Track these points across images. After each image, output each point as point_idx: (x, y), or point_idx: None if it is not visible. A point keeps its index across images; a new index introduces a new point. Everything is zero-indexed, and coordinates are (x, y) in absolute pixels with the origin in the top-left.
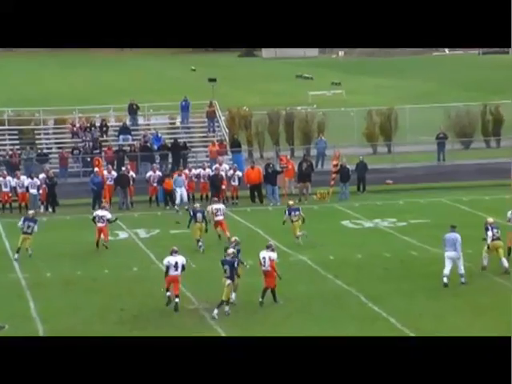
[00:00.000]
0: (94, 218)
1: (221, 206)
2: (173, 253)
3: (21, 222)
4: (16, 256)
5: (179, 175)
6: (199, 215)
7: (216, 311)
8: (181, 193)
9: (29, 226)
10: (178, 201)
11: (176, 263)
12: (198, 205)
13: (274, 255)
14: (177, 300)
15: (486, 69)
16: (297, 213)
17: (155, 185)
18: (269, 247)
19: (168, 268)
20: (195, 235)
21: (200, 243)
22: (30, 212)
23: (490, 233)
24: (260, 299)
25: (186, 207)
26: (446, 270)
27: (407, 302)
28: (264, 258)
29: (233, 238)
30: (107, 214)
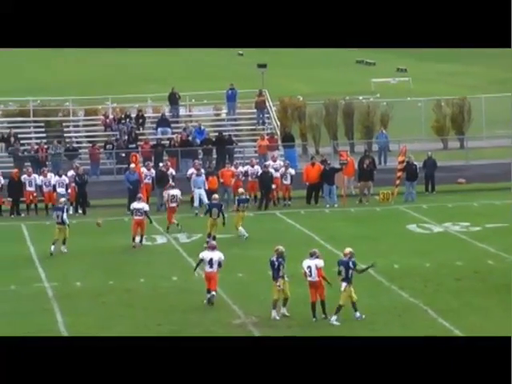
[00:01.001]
0: (132, 211)
1: (177, 192)
2: (210, 248)
3: (53, 214)
4: (52, 248)
5: (198, 175)
6: (215, 210)
7: (335, 317)
8: (199, 194)
9: (58, 216)
10: (196, 203)
11: (211, 260)
12: (216, 196)
13: (320, 263)
14: (213, 293)
15: None
16: (245, 204)
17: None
18: (313, 255)
19: (204, 264)
20: (208, 230)
21: (208, 239)
22: (61, 200)
23: None
24: (313, 319)
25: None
26: None
27: (482, 318)
28: (309, 267)
29: (276, 247)
30: (145, 206)
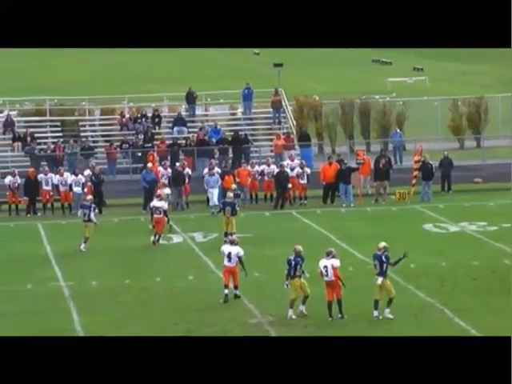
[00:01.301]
0: (151, 209)
1: (168, 190)
2: (230, 242)
3: (79, 211)
4: (82, 246)
5: (211, 175)
6: (228, 208)
7: (388, 310)
8: (213, 194)
9: (84, 214)
10: (212, 203)
11: (229, 254)
12: (231, 194)
13: (336, 263)
14: (236, 292)
15: None
16: (235, 199)
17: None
18: (329, 254)
19: (223, 258)
20: (224, 228)
21: (225, 238)
22: (88, 197)
23: None
24: (329, 318)
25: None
26: None
27: (499, 317)
28: (325, 266)
29: (295, 246)
30: (164, 205)
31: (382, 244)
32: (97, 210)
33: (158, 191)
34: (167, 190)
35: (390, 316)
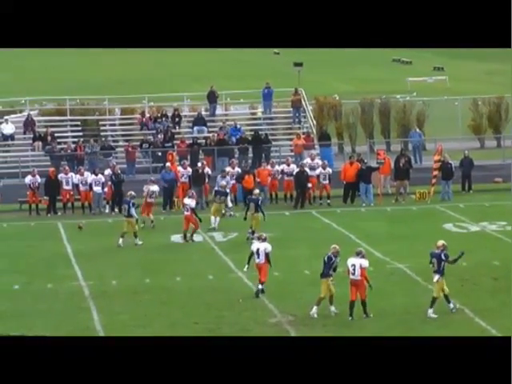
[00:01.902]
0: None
1: (156, 188)
2: (259, 239)
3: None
4: (120, 241)
5: (223, 177)
6: (252, 205)
7: (431, 310)
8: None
9: (124, 208)
10: (230, 204)
11: (257, 250)
12: (257, 191)
13: (365, 263)
14: (260, 287)
15: None
16: (222, 197)
17: (233, 182)
18: (359, 254)
19: (252, 254)
20: (249, 224)
21: (248, 234)
22: (128, 193)
23: None
24: (349, 317)
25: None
26: None
27: None
28: (354, 265)
29: (333, 246)
30: (191, 203)
31: (441, 242)
32: (135, 207)
33: (145, 187)
34: (154, 188)
35: (434, 316)
